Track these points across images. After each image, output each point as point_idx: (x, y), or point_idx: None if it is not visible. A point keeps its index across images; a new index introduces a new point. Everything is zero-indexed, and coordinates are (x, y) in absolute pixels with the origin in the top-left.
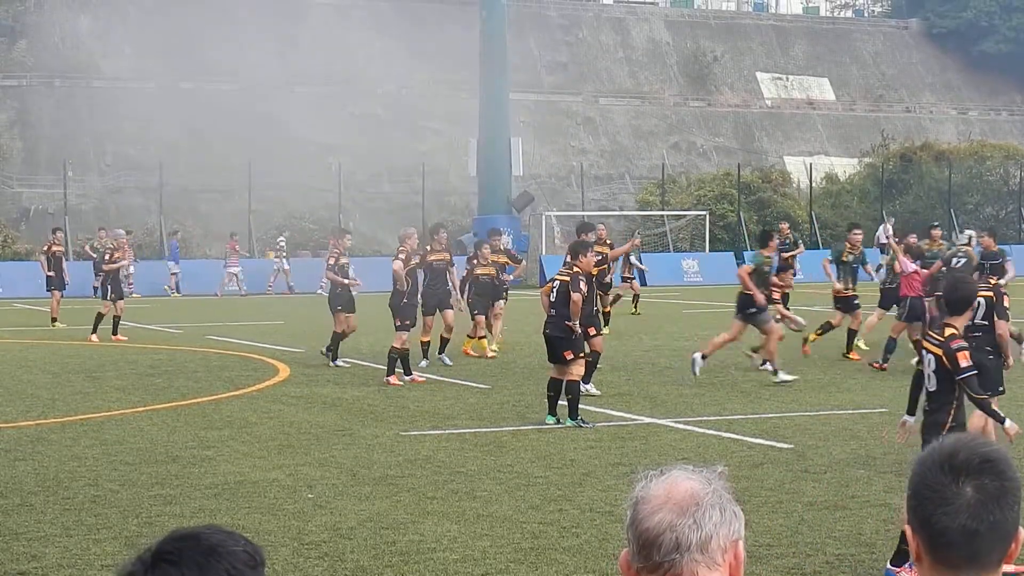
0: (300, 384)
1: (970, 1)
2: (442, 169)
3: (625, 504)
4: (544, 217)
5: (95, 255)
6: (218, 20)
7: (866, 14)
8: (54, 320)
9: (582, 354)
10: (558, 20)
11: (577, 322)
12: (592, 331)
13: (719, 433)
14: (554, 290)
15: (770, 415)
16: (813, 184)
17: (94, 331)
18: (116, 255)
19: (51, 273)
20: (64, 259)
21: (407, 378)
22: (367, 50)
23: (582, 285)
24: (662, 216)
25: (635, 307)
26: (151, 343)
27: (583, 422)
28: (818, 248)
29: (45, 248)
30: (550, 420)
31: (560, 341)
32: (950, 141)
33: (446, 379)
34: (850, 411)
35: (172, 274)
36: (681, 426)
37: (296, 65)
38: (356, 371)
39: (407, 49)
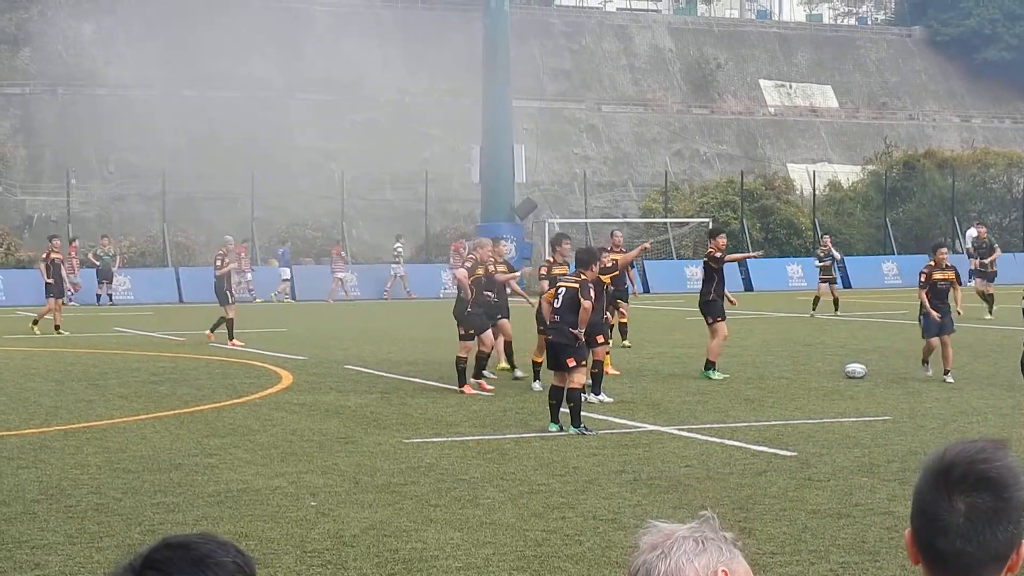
0: (303, 392)
1: (973, 9)
2: (445, 176)
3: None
4: (547, 224)
5: (98, 263)
6: (220, 28)
7: (869, 22)
8: (57, 327)
9: (584, 362)
10: (561, 27)
11: (583, 330)
12: (600, 339)
13: (722, 441)
14: (558, 296)
15: (773, 423)
16: (816, 191)
17: (212, 329)
18: (225, 260)
19: (50, 280)
20: (63, 266)
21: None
22: (369, 57)
23: (592, 293)
24: (665, 223)
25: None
26: (154, 351)
27: (586, 429)
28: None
29: (44, 256)
30: (553, 428)
31: (563, 348)
32: (953, 148)
33: (449, 386)
34: (853, 419)
35: (284, 280)
36: (684, 433)
37: (298, 73)
38: (359, 378)
39: (409, 56)
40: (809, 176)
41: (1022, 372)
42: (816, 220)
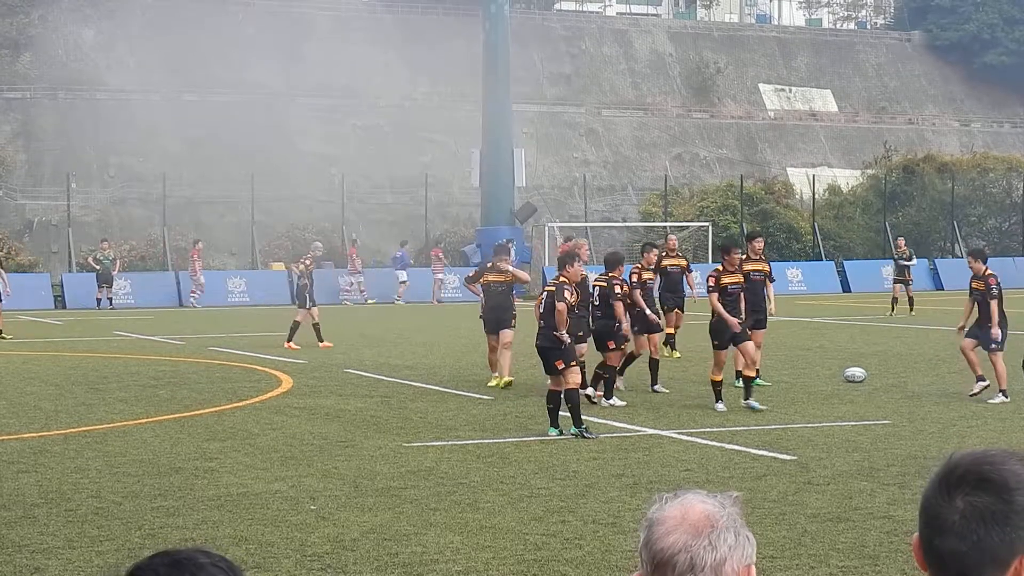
0: (303, 395)
1: (972, 14)
2: (445, 180)
3: (639, 527)
4: (547, 228)
5: (98, 267)
6: (221, 33)
7: (869, 26)
8: None
9: (574, 362)
10: (561, 31)
11: (564, 331)
12: (611, 344)
13: (722, 444)
14: (543, 301)
15: (773, 427)
16: (816, 196)
17: (290, 339)
18: (305, 265)
19: None
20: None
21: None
22: (370, 62)
23: (566, 294)
24: (665, 227)
25: None
26: (154, 354)
27: (587, 432)
28: (821, 259)
29: None
30: (552, 432)
31: (549, 352)
32: (953, 153)
33: (448, 390)
34: (853, 423)
35: (401, 283)
36: (684, 437)
37: (299, 77)
38: (359, 382)
39: (410, 61)
40: (809, 180)
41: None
42: (815, 224)
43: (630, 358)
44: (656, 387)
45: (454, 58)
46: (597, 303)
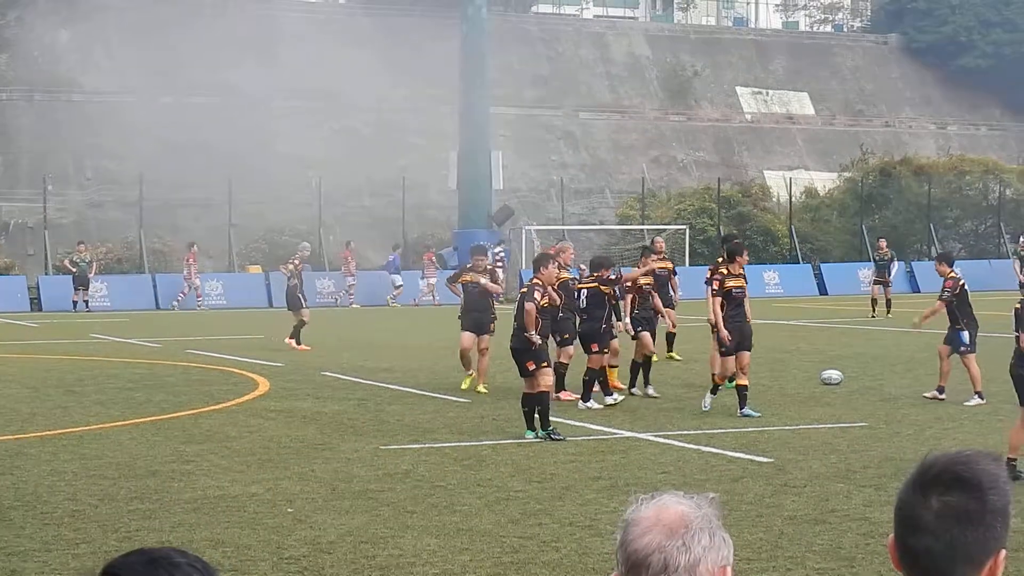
0: (280, 398)
1: (949, 16)
2: (422, 183)
3: (616, 527)
4: (524, 231)
5: (75, 269)
6: (199, 35)
7: (846, 29)
8: None
9: (545, 363)
10: (538, 34)
11: (534, 333)
12: (595, 347)
13: (699, 447)
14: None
15: (750, 429)
16: (793, 198)
17: (294, 338)
18: (294, 266)
19: None
20: None
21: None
22: (348, 65)
23: (537, 295)
24: (642, 230)
25: None
26: (131, 357)
27: (554, 434)
28: (798, 262)
29: None
30: (529, 435)
31: (521, 353)
32: (929, 156)
33: (425, 393)
34: (830, 425)
35: (397, 287)
36: (661, 440)
37: (277, 80)
38: (336, 385)
39: (388, 63)
40: (786, 183)
41: (1011, 376)
42: (792, 227)
43: (647, 361)
44: (633, 389)
45: (432, 60)
46: (584, 305)
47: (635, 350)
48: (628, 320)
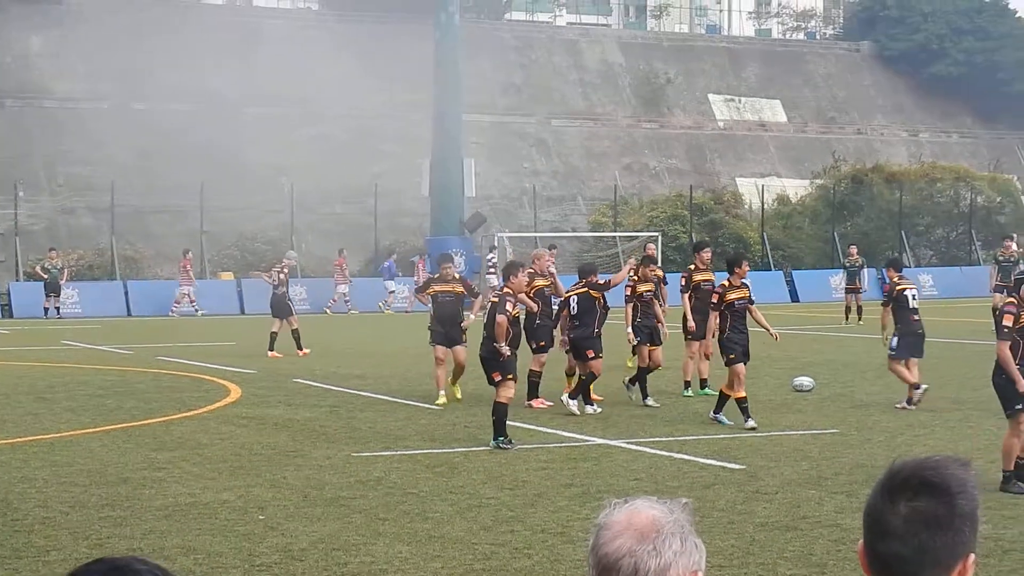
0: (251, 405)
1: (921, 24)
2: (395, 190)
3: (588, 533)
4: (497, 238)
5: (46, 275)
6: (171, 41)
7: (818, 36)
8: None
9: (511, 375)
10: (512, 41)
11: (504, 344)
12: (591, 353)
13: (671, 454)
14: (485, 312)
15: (722, 436)
16: (765, 206)
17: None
18: (284, 274)
19: None
20: None
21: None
22: (320, 71)
23: (508, 307)
24: (614, 237)
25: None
26: (102, 364)
27: (505, 443)
28: (770, 270)
29: None
30: (497, 442)
31: (488, 363)
32: (901, 163)
33: (398, 400)
34: (801, 432)
35: (390, 292)
36: (633, 447)
37: (249, 86)
38: (308, 392)
39: (361, 70)
40: (758, 190)
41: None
42: (764, 234)
43: (645, 371)
44: (648, 400)
45: (405, 67)
46: (575, 312)
47: (638, 359)
48: (630, 329)
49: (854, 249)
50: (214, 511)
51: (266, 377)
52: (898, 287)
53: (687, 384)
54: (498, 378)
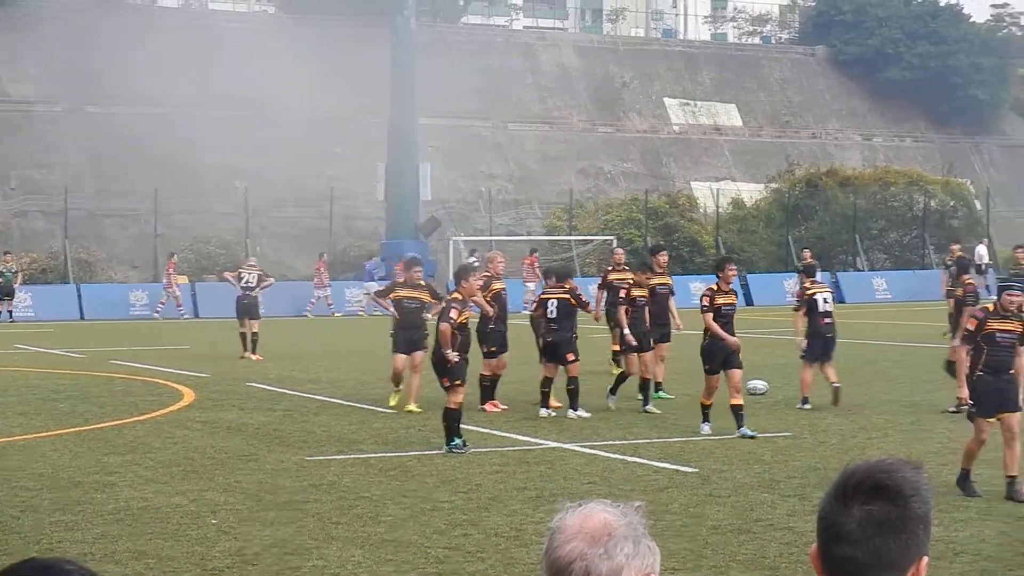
0: (204, 409)
1: (876, 29)
2: (350, 194)
3: (542, 537)
4: (452, 242)
5: (0, 279)
6: (126, 44)
7: (773, 41)
8: None
9: (459, 381)
10: (468, 45)
11: (451, 351)
12: (570, 356)
13: (624, 457)
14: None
15: (675, 439)
16: (720, 209)
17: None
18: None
19: None
20: None
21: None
22: (276, 75)
23: (453, 314)
24: (569, 241)
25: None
26: (54, 368)
27: (457, 448)
28: None
29: None
30: (454, 442)
31: (438, 368)
32: (855, 167)
33: (352, 404)
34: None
35: (366, 294)
36: (587, 450)
37: (204, 89)
38: (262, 396)
39: (317, 73)
40: (713, 194)
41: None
42: (719, 238)
43: (622, 377)
44: (648, 407)
45: (361, 71)
46: (554, 315)
47: (630, 366)
48: (628, 331)
49: (808, 253)
50: (166, 515)
51: (219, 381)
52: (808, 291)
53: (658, 387)
54: (447, 384)
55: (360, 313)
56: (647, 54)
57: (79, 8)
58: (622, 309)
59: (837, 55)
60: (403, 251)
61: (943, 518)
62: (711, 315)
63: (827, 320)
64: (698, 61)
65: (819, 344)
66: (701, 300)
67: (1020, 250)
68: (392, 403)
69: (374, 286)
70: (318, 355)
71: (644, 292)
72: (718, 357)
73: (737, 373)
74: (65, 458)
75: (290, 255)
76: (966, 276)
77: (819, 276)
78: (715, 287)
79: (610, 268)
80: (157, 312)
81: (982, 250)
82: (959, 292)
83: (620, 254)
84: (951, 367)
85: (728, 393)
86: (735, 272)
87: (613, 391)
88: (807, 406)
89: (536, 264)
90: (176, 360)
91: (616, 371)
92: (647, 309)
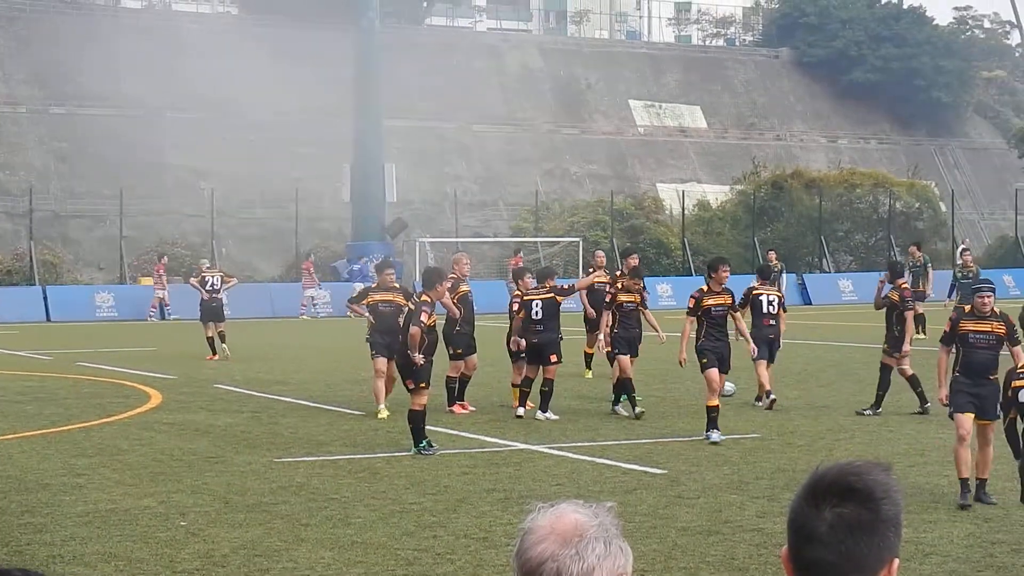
0: (172, 411)
1: (840, 31)
2: (316, 195)
3: (511, 539)
4: (418, 244)
5: None
6: (90, 45)
7: (738, 43)
8: None
9: (423, 384)
10: (432, 46)
11: (417, 354)
12: (554, 358)
13: (593, 459)
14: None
15: (644, 441)
16: (685, 211)
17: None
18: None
19: None
20: None
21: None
22: (240, 75)
23: (423, 317)
24: (535, 243)
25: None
26: (21, 370)
27: (425, 450)
28: (691, 275)
29: None
30: (414, 450)
31: (403, 370)
32: (820, 169)
33: (320, 405)
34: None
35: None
36: (555, 452)
37: (169, 91)
38: (229, 398)
39: (281, 74)
40: (678, 196)
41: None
42: (685, 240)
43: (628, 382)
44: (617, 407)
45: (325, 72)
46: (539, 317)
47: (619, 370)
48: (602, 336)
49: (773, 254)
50: (135, 517)
51: (186, 383)
52: (755, 291)
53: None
54: (411, 386)
55: (350, 314)
56: (611, 56)
57: (43, 10)
58: (607, 314)
59: (801, 57)
60: (369, 252)
61: (913, 520)
62: (693, 319)
63: (771, 322)
64: (662, 63)
65: (762, 347)
66: (688, 302)
67: (967, 253)
68: (382, 416)
69: (360, 287)
70: (285, 356)
71: (633, 297)
72: (711, 355)
73: (722, 378)
74: (33, 460)
75: (256, 256)
76: (901, 280)
77: (784, 279)
78: (705, 288)
79: (590, 271)
80: (151, 315)
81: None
82: (894, 296)
83: (601, 256)
84: (887, 372)
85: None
86: (728, 272)
87: (617, 400)
88: (762, 402)
89: (521, 265)
90: (143, 362)
91: (588, 374)
92: (635, 314)
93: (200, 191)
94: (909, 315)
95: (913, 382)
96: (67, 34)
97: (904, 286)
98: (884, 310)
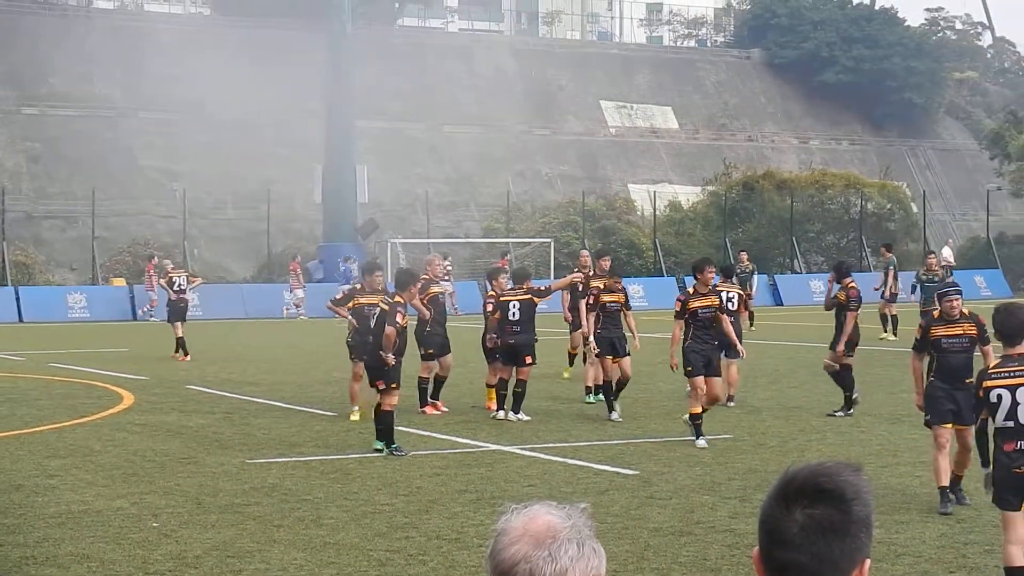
0: (144, 412)
1: (811, 32)
2: (288, 196)
3: (484, 540)
4: (389, 245)
5: None
6: (63, 46)
7: (709, 44)
8: None
9: (395, 384)
10: (404, 47)
11: (390, 354)
12: (529, 359)
13: (565, 460)
14: (374, 316)
15: (616, 442)
16: (657, 212)
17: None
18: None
19: None
20: None
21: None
22: (212, 76)
23: (398, 318)
24: (507, 243)
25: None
26: None
27: (397, 450)
28: (662, 275)
29: None
30: (386, 448)
31: (373, 371)
32: (792, 170)
33: (292, 407)
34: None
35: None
36: (527, 453)
37: (141, 91)
38: (202, 399)
39: (253, 75)
40: (650, 197)
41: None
42: (657, 241)
43: (619, 384)
44: (613, 415)
45: (298, 73)
46: (516, 318)
47: (601, 371)
48: (592, 340)
49: (744, 255)
50: (107, 518)
51: (158, 383)
52: (716, 288)
53: (588, 390)
54: (382, 386)
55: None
56: (583, 57)
57: (14, 10)
58: (591, 315)
59: (772, 58)
60: (341, 253)
61: (884, 520)
62: (681, 323)
63: (730, 319)
64: (634, 64)
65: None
66: (675, 305)
67: (932, 256)
68: (356, 418)
69: (346, 288)
70: (257, 357)
71: (616, 297)
72: (698, 359)
73: (716, 381)
74: (5, 462)
75: (228, 257)
76: (848, 280)
77: (755, 280)
78: (691, 290)
79: (574, 270)
80: (152, 316)
81: (947, 252)
82: (841, 296)
83: (585, 257)
84: (837, 376)
85: (690, 399)
86: (714, 273)
87: (610, 407)
88: (730, 404)
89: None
90: (115, 363)
91: (567, 374)
92: (618, 315)
93: (172, 192)
94: (851, 316)
95: (839, 379)
96: (39, 34)
97: (852, 285)
98: (834, 311)
